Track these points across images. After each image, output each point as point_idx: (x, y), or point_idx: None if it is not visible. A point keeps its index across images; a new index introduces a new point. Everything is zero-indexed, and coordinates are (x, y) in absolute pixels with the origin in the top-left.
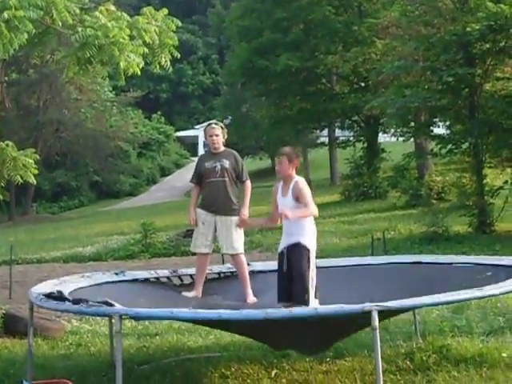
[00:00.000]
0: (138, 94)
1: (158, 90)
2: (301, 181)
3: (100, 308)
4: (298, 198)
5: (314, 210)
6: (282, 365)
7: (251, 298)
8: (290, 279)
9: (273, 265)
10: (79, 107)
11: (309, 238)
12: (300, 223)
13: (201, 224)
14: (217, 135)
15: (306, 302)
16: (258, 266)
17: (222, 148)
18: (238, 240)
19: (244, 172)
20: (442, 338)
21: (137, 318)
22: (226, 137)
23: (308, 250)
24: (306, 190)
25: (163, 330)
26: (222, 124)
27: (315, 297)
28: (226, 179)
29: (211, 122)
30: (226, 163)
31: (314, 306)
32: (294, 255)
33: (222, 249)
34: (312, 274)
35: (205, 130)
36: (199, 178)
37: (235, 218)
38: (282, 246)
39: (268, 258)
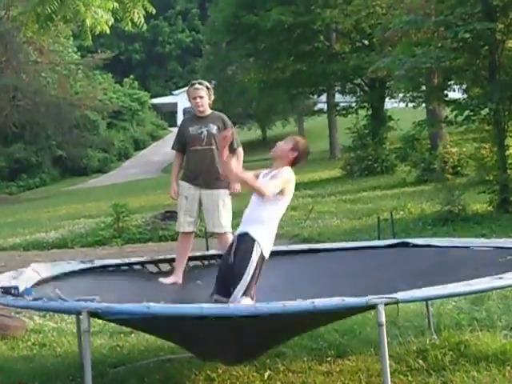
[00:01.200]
0: (107, 56)
1: (131, 50)
2: (288, 170)
3: (65, 304)
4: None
5: (268, 188)
6: (277, 365)
7: None
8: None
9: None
10: (39, 71)
11: (262, 233)
12: (261, 212)
13: (184, 199)
14: (201, 97)
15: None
16: None
17: (209, 111)
18: (225, 217)
19: (235, 138)
20: (459, 333)
21: (107, 315)
22: (212, 98)
23: (255, 244)
24: (286, 176)
25: None
26: (207, 83)
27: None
28: (214, 147)
29: (194, 81)
30: (213, 128)
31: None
32: (241, 247)
33: (207, 226)
34: (252, 271)
35: (188, 92)
36: (182, 144)
37: (223, 192)
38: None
39: None
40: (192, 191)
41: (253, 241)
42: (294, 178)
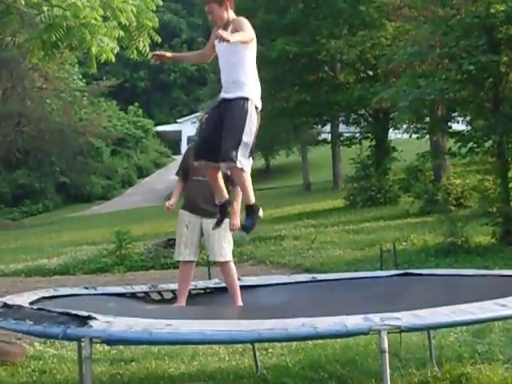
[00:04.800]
0: (112, 83)
1: (135, 78)
2: (241, 18)
3: (67, 330)
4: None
5: (252, 34)
6: None
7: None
8: (219, 133)
9: (267, 279)
10: (44, 97)
11: (253, 89)
12: (242, 68)
13: (184, 227)
14: None
15: (232, 159)
16: (250, 280)
17: None
18: (226, 246)
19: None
20: (460, 366)
21: (110, 341)
22: None
23: (251, 102)
24: (247, 24)
25: (140, 355)
26: None
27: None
28: None
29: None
30: None
31: (245, 165)
32: (232, 107)
33: (209, 255)
34: (251, 129)
35: (201, 120)
36: (185, 173)
37: (224, 221)
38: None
39: (262, 271)
40: (193, 220)
41: (248, 100)
42: None
